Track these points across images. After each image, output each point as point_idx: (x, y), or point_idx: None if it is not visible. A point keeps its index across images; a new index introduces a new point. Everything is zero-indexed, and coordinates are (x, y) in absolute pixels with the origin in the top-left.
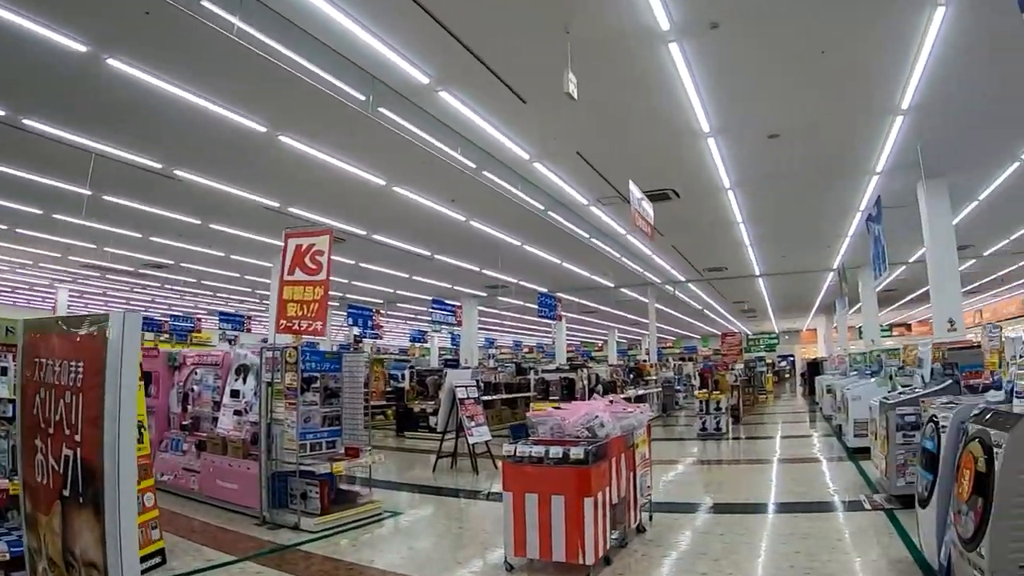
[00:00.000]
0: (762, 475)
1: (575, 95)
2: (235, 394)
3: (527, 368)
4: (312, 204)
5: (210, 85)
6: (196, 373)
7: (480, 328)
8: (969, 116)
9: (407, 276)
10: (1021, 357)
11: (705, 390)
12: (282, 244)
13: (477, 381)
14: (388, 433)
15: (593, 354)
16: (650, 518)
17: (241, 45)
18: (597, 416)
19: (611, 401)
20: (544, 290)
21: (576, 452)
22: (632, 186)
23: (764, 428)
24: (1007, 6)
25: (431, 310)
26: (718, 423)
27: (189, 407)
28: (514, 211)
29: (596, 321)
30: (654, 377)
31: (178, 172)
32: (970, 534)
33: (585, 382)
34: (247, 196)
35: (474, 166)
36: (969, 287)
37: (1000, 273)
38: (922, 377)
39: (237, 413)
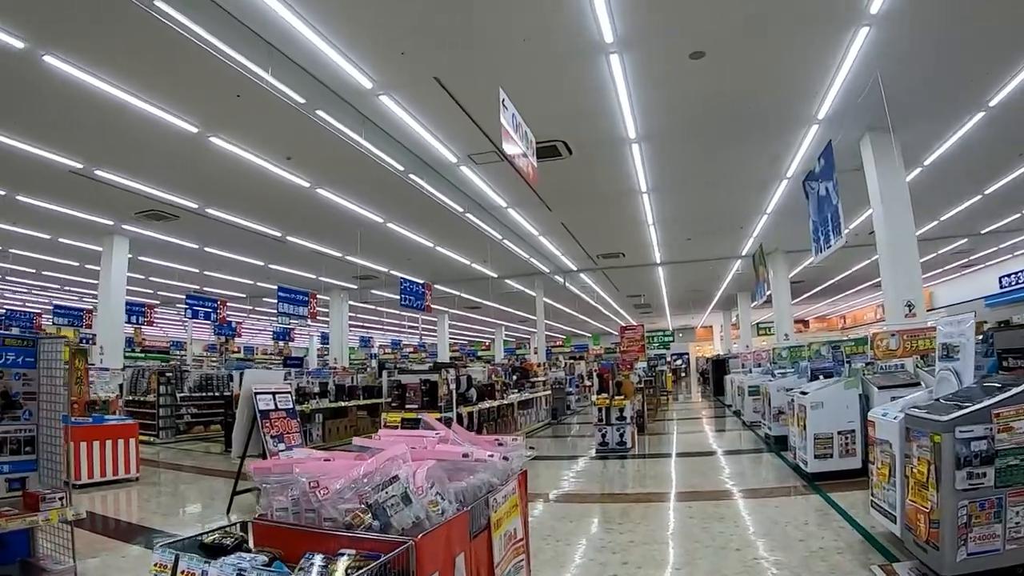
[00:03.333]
0: (705, 523)
1: None
2: None
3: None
4: (119, 164)
5: None
6: None
7: (356, 325)
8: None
9: (262, 264)
10: None
11: (605, 395)
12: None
13: (295, 384)
14: (213, 450)
15: (480, 353)
16: None
17: None
18: (396, 475)
19: (443, 436)
20: (416, 280)
21: None
22: (503, 96)
23: (677, 440)
24: None
25: (277, 299)
26: (622, 435)
27: None
28: (368, 173)
29: (482, 318)
30: (543, 378)
31: None
32: None
33: (451, 386)
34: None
35: (302, 100)
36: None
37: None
38: (954, 375)
39: None
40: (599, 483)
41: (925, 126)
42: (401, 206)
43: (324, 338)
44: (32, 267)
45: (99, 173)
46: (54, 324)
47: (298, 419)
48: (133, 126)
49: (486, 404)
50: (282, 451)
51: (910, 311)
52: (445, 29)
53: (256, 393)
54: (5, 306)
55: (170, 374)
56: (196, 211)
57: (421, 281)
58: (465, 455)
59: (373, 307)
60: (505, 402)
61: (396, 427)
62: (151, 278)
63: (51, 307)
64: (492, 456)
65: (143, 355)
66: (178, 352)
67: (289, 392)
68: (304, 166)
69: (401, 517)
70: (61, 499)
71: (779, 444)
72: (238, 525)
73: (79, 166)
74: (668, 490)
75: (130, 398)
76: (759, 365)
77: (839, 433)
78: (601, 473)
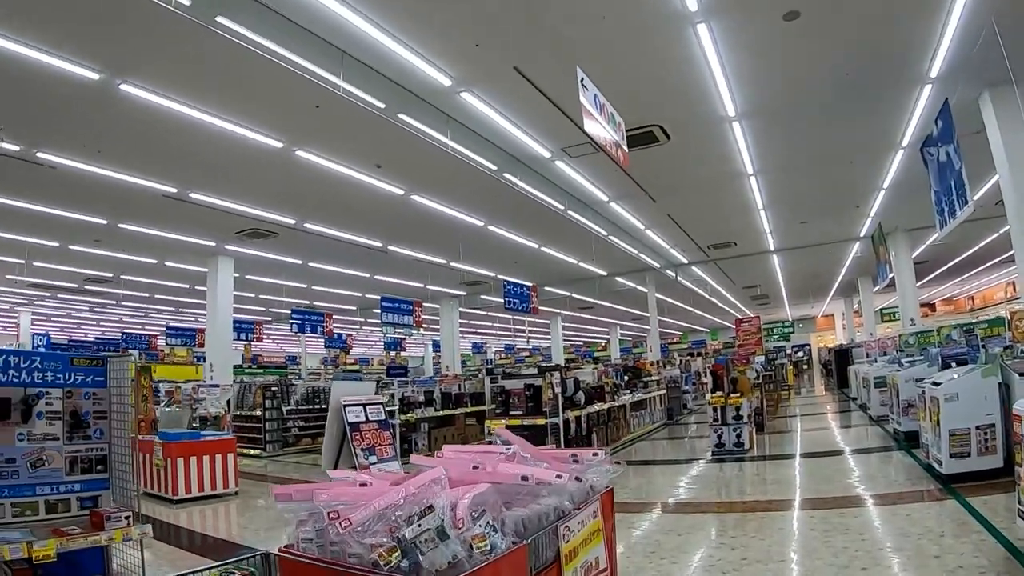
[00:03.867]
0: (828, 536)
1: None
2: None
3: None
4: (211, 185)
5: None
6: None
7: (467, 332)
8: None
9: (368, 276)
10: None
11: (720, 392)
12: None
13: (400, 393)
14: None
15: (596, 354)
16: None
17: None
18: (431, 505)
19: (511, 453)
20: (522, 282)
21: None
22: (581, 75)
23: (799, 439)
24: None
25: (380, 309)
26: (739, 436)
27: None
28: (461, 175)
29: (596, 319)
30: (656, 377)
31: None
32: None
33: (557, 390)
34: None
35: (381, 105)
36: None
37: None
38: None
39: None
40: (713, 489)
41: None
42: (500, 208)
43: (437, 346)
44: (145, 291)
45: (194, 196)
46: (167, 344)
47: (391, 430)
48: (218, 146)
49: (595, 407)
50: (373, 463)
51: None
52: (517, 15)
53: (345, 405)
54: (125, 329)
55: (275, 388)
56: (294, 226)
57: (526, 283)
58: (524, 478)
59: (484, 313)
60: (616, 404)
61: None
62: (260, 295)
63: (166, 328)
64: (561, 477)
65: (261, 371)
66: (294, 366)
67: (380, 403)
68: (395, 173)
69: (434, 556)
70: (127, 518)
71: (909, 441)
72: (259, 557)
73: (173, 190)
74: (789, 496)
75: (237, 413)
76: (884, 354)
77: (977, 428)
78: (716, 478)
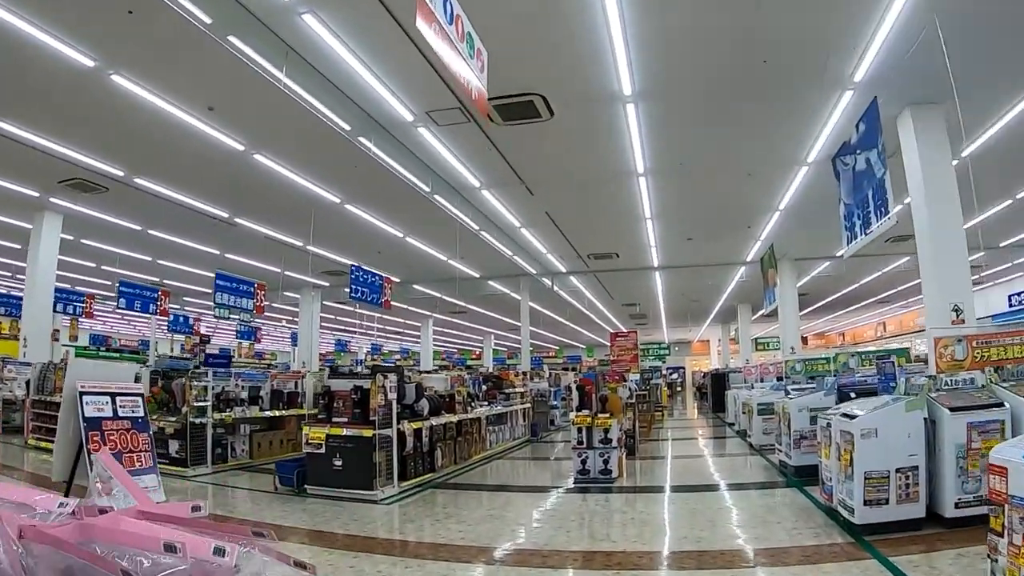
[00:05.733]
0: None
1: None
2: None
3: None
4: (12, 112)
5: None
6: None
7: (335, 328)
8: None
9: (218, 253)
10: None
11: (586, 412)
12: None
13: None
14: None
15: (469, 362)
16: None
17: None
18: None
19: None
20: (378, 272)
21: None
22: None
23: (673, 467)
24: None
25: (214, 288)
26: (606, 462)
27: None
28: (310, 136)
29: (470, 325)
30: (521, 389)
31: None
32: None
33: (390, 396)
34: None
35: (208, 20)
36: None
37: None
38: None
39: None
40: (570, 530)
41: (979, 98)
42: (358, 183)
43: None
44: None
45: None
46: None
47: (150, 433)
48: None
49: (443, 419)
50: (115, 482)
51: (957, 316)
52: None
53: (82, 394)
54: None
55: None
56: (123, 180)
57: (379, 273)
58: None
59: (352, 309)
60: (470, 416)
61: (320, 446)
62: (103, 267)
63: None
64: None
65: (119, 355)
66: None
67: (138, 394)
68: (231, 120)
69: None
70: None
71: (801, 476)
72: None
73: None
74: (662, 547)
75: (37, 398)
76: (762, 380)
77: (898, 471)
78: (577, 513)
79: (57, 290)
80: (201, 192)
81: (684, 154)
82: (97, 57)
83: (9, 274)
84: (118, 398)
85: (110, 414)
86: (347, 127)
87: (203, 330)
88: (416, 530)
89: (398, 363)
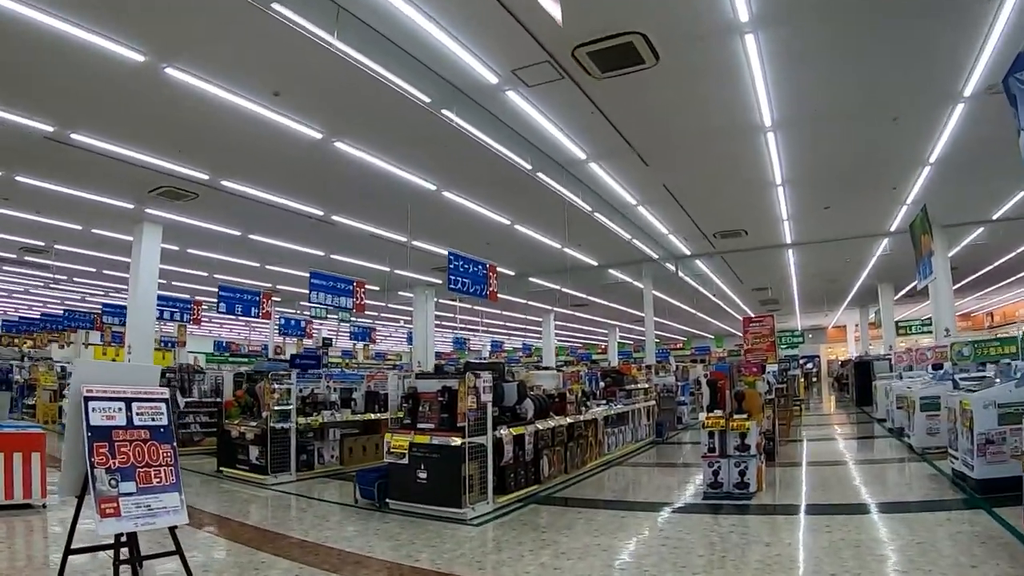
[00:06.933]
0: None
1: None
2: None
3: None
4: (88, 123)
5: None
6: None
7: (453, 325)
8: None
9: (323, 255)
10: None
11: (718, 412)
12: None
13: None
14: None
15: (594, 357)
16: None
17: None
18: None
19: None
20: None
21: None
22: None
23: (821, 477)
24: None
25: (308, 288)
26: (743, 473)
27: None
28: (389, 114)
29: (593, 318)
30: (644, 385)
31: None
32: None
33: (484, 397)
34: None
35: None
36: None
37: None
38: None
39: None
40: (694, 573)
41: None
42: (451, 164)
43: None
44: (85, 264)
45: (75, 136)
46: (103, 323)
47: (174, 443)
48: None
49: (550, 422)
50: (128, 493)
51: None
52: None
53: (88, 399)
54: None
55: (171, 376)
56: (209, 184)
57: (482, 260)
58: None
59: (470, 307)
60: (584, 418)
61: (402, 455)
62: (214, 275)
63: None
64: None
65: (247, 360)
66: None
67: (161, 400)
68: (300, 105)
69: None
70: None
71: (987, 492)
72: None
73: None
74: None
75: None
76: (911, 368)
77: None
78: (703, 545)
79: (162, 298)
80: (290, 190)
81: (817, 98)
82: (145, 51)
83: (125, 287)
84: (134, 404)
85: (123, 423)
86: (426, 99)
87: (326, 334)
88: (497, 564)
89: (522, 360)
